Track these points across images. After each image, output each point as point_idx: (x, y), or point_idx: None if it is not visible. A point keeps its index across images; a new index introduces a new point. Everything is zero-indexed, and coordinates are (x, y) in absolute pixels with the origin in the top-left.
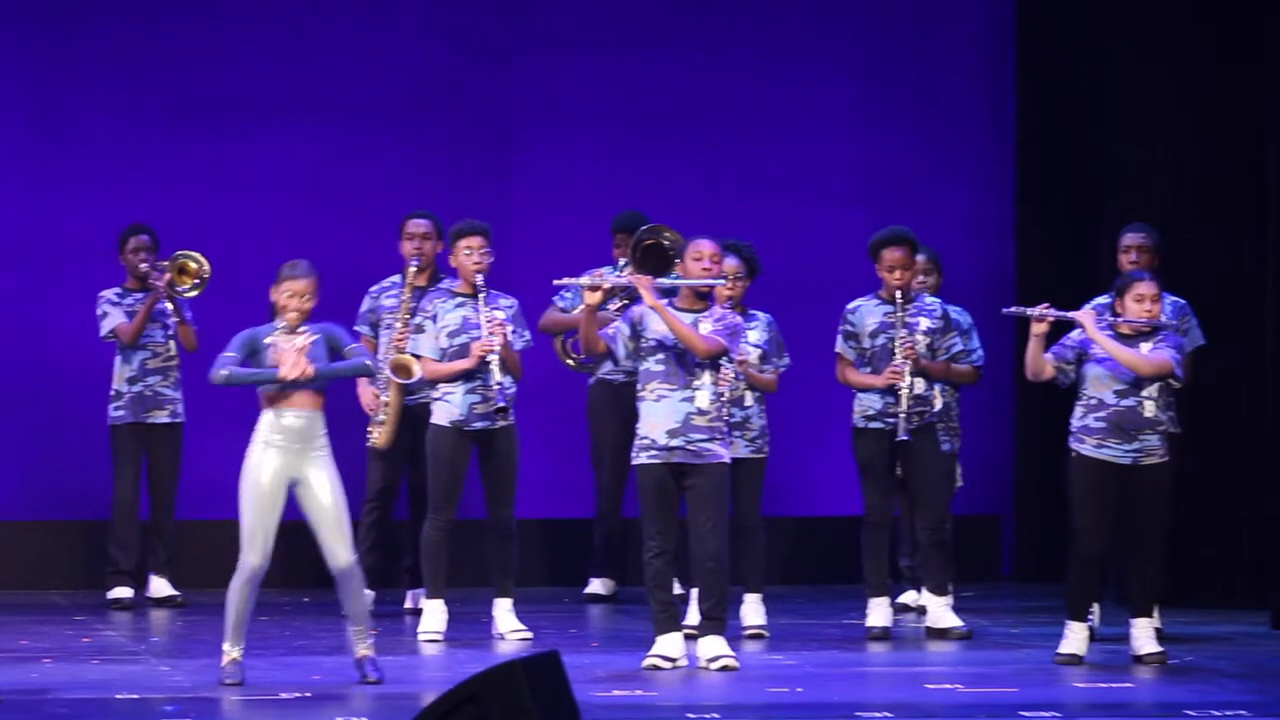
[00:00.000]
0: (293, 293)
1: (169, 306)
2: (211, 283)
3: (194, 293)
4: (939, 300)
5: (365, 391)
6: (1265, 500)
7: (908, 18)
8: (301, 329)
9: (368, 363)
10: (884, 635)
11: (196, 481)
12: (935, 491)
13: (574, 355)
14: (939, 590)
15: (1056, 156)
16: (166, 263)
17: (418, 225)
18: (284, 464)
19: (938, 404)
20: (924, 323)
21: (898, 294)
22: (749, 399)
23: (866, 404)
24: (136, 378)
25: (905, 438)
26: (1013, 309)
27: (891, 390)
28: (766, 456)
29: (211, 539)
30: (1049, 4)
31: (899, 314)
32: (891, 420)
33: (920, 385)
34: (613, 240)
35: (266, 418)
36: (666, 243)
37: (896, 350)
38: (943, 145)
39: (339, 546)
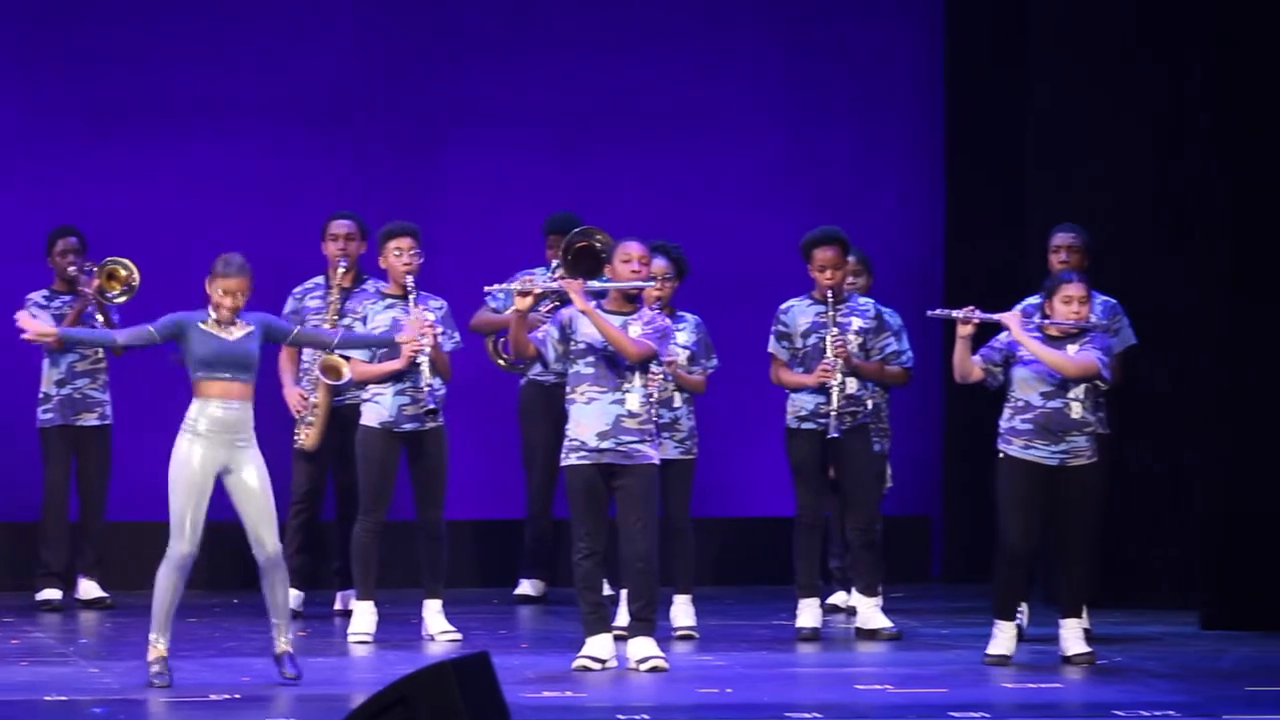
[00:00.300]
0: (225, 290)
1: (98, 317)
2: (141, 283)
3: (123, 299)
4: (872, 300)
5: (292, 393)
6: (1194, 501)
7: (839, 22)
8: (236, 321)
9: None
10: (814, 636)
11: (126, 484)
12: (867, 492)
13: (505, 356)
14: (869, 591)
15: (986, 157)
16: (96, 268)
17: (341, 226)
18: (212, 453)
19: (869, 404)
20: (856, 322)
21: (829, 294)
22: (677, 400)
23: (799, 404)
24: (65, 380)
25: (836, 434)
26: (938, 311)
27: (823, 389)
28: (695, 458)
29: (141, 541)
30: (978, 9)
31: (831, 313)
32: (824, 421)
33: (853, 385)
34: (545, 242)
35: (195, 407)
36: (598, 245)
37: (828, 348)
38: (872, 147)
39: (266, 534)
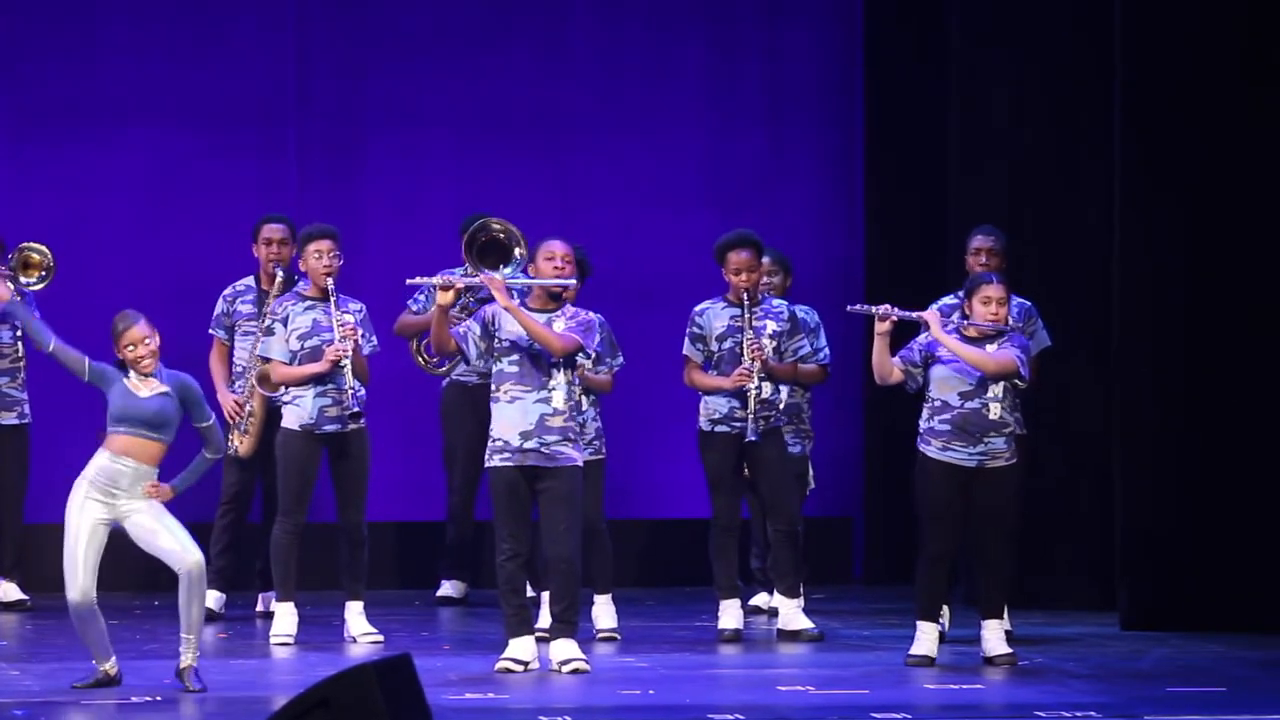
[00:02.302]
0: (132, 341)
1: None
2: (60, 289)
3: (40, 285)
4: (785, 302)
5: (227, 399)
6: (1114, 501)
7: (753, 17)
8: (152, 379)
9: (212, 457)
10: (735, 637)
11: (45, 484)
12: (785, 494)
13: (426, 357)
14: (790, 592)
15: (904, 155)
16: (11, 255)
17: (275, 230)
18: (95, 502)
19: (782, 406)
20: (770, 325)
21: (744, 296)
22: (584, 401)
23: (713, 407)
24: None
25: (754, 438)
26: (858, 306)
27: (740, 393)
28: (605, 457)
29: (60, 543)
30: (897, 6)
31: (746, 316)
32: (738, 424)
33: (767, 388)
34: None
35: (98, 457)
36: (500, 234)
37: (744, 352)
38: (789, 145)
39: (176, 550)
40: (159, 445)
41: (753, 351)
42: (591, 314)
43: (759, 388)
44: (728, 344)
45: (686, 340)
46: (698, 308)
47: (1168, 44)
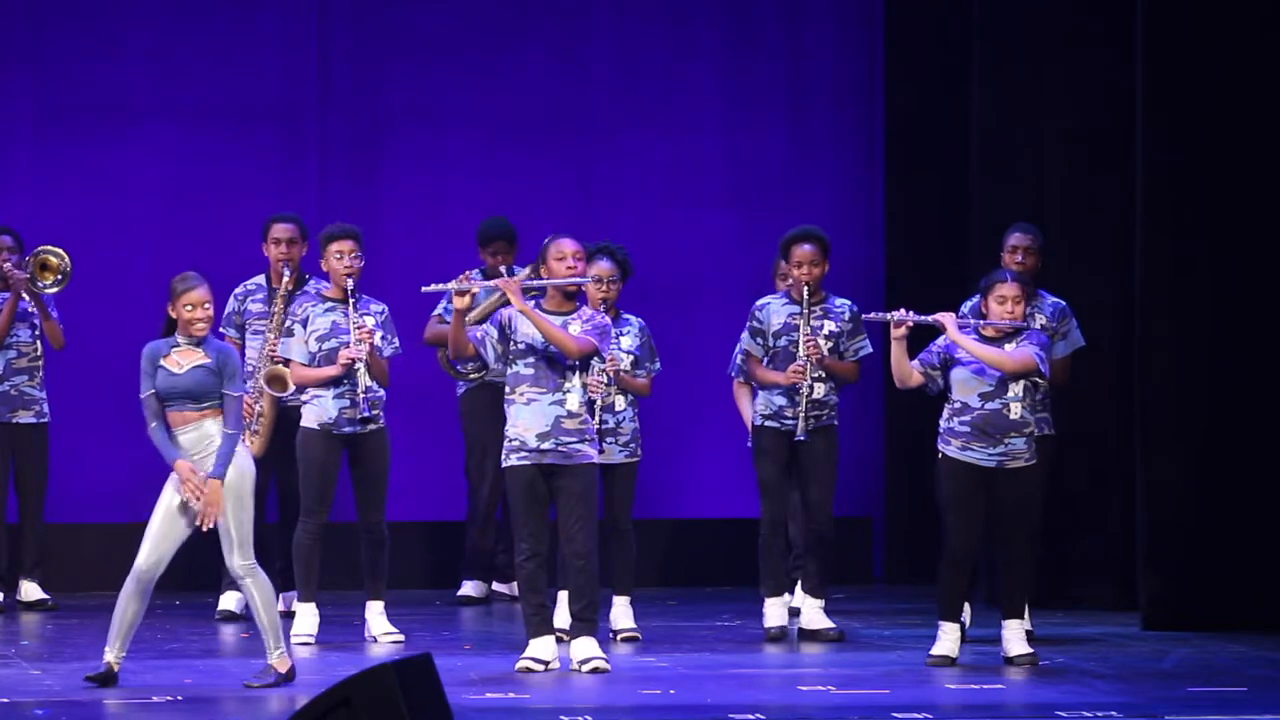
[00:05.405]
0: (191, 303)
1: (32, 307)
2: (79, 286)
3: (56, 288)
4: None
5: None
6: (1136, 501)
7: (774, 17)
8: (199, 349)
9: (231, 433)
10: (781, 635)
11: (64, 483)
12: (827, 494)
13: (455, 368)
14: (816, 592)
15: (926, 154)
16: (29, 258)
17: (284, 230)
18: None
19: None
20: (828, 325)
21: (805, 291)
22: (621, 403)
23: (768, 401)
24: (2, 378)
25: (803, 438)
26: (873, 315)
27: (792, 390)
28: (639, 460)
29: (81, 542)
30: (919, 5)
31: (805, 313)
32: (789, 421)
33: (820, 389)
34: (481, 244)
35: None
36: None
37: (800, 349)
38: (810, 144)
39: (227, 551)
40: (201, 413)
41: (809, 349)
42: (607, 318)
43: (811, 388)
44: (782, 341)
45: (745, 334)
46: (759, 302)
47: (1194, 37)
